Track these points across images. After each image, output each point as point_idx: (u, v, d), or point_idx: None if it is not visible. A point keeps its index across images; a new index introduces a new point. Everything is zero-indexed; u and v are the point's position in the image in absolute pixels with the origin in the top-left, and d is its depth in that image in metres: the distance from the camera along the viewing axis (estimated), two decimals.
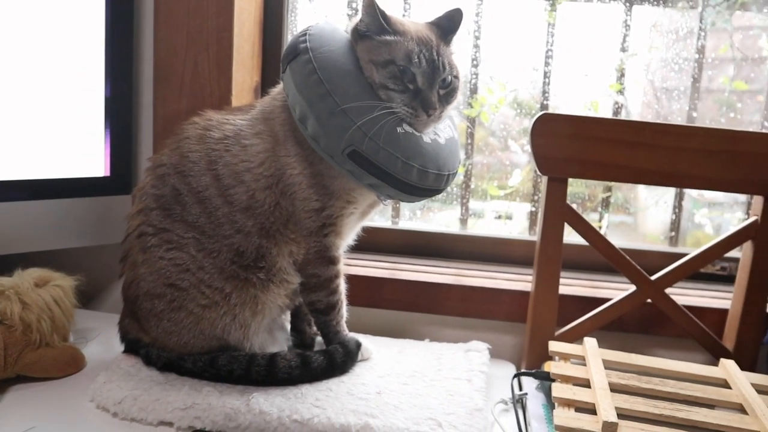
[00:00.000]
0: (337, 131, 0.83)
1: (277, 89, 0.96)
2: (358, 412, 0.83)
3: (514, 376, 0.96)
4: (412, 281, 1.17)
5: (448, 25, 0.93)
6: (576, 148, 1.01)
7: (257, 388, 0.87)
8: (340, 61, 0.86)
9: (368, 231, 1.32)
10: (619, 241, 1.12)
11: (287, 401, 0.84)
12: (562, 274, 1.04)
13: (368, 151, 0.83)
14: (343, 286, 0.97)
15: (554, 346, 0.98)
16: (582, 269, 1.25)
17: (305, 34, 0.88)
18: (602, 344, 0.97)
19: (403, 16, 1.31)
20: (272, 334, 0.96)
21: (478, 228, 1.39)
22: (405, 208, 1.40)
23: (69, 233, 1.08)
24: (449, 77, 0.89)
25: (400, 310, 1.18)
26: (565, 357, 0.97)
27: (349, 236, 1.00)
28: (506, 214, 1.42)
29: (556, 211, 1.02)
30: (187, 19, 1.12)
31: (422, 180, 0.87)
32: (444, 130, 0.93)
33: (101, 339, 1.06)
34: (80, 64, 1.06)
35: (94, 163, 1.10)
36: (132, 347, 0.95)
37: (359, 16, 0.92)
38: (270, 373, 0.88)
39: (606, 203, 1.35)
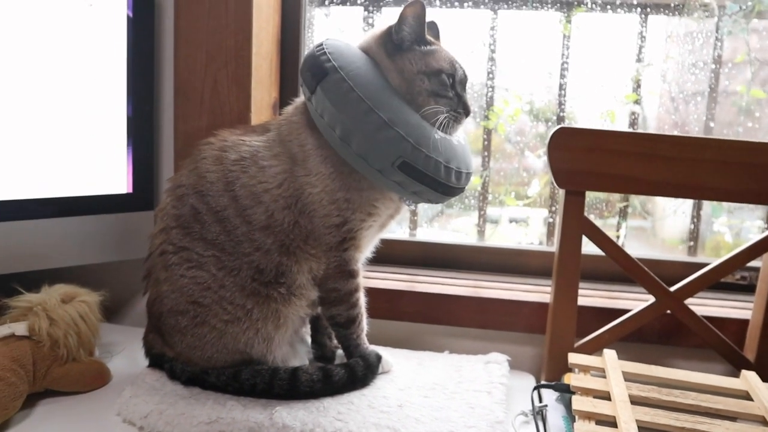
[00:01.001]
0: (386, 145, 0.85)
1: (291, 109, 0.98)
2: (380, 425, 0.84)
3: (534, 388, 0.96)
4: (430, 293, 1.18)
5: (434, 33, 0.99)
6: (593, 161, 1.01)
7: (280, 401, 0.88)
8: (370, 76, 0.89)
9: (386, 243, 1.33)
10: (637, 247, 1.12)
11: (310, 415, 0.85)
12: (581, 285, 1.04)
13: (417, 160, 0.86)
14: (362, 299, 0.98)
15: (574, 358, 0.98)
16: (600, 280, 1.25)
17: (325, 53, 0.89)
18: (622, 355, 0.97)
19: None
20: (294, 347, 0.98)
21: (496, 236, 1.40)
22: (422, 218, 1.41)
23: (93, 249, 1.10)
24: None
25: (419, 322, 1.18)
26: (584, 369, 0.97)
27: (368, 249, 1.01)
28: (524, 221, 1.42)
29: (574, 224, 1.03)
30: (206, 37, 1.14)
31: (458, 180, 0.91)
32: (460, 132, 0.97)
33: (126, 353, 1.08)
34: (103, 84, 1.08)
35: (117, 180, 1.12)
36: (156, 362, 0.96)
37: (377, 29, 0.94)
38: (292, 387, 0.89)
39: (624, 213, 1.35)
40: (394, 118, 0.86)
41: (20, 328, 0.91)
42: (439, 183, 0.89)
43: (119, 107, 1.10)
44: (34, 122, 1.02)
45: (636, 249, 1.05)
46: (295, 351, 0.97)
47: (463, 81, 0.95)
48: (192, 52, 1.15)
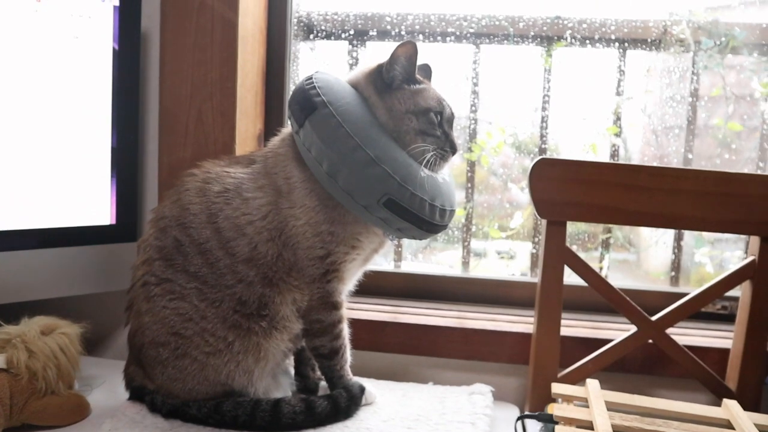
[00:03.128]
0: (373, 182, 0.86)
1: (278, 140, 0.98)
2: None
3: (518, 418, 0.95)
4: (414, 324, 1.18)
5: (426, 75, 1.01)
6: (574, 192, 1.03)
7: None
8: (359, 113, 0.90)
9: (370, 275, 1.33)
10: (621, 279, 1.13)
11: None
12: (564, 315, 1.05)
13: (403, 198, 0.87)
14: (346, 330, 0.98)
15: (557, 388, 0.98)
16: (583, 310, 1.25)
17: (314, 87, 0.90)
18: (605, 385, 0.97)
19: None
20: (276, 379, 0.97)
21: (480, 269, 1.40)
22: (407, 250, 1.42)
23: (75, 281, 1.09)
24: None
25: (403, 353, 1.18)
26: (568, 399, 0.97)
27: (352, 281, 1.01)
28: (509, 254, 1.43)
29: (556, 254, 1.04)
30: (191, 69, 1.16)
31: (441, 218, 0.92)
32: (446, 169, 0.98)
33: (106, 386, 1.06)
34: (87, 115, 1.09)
35: (100, 211, 1.12)
36: (137, 394, 0.95)
37: (368, 65, 0.96)
38: (274, 419, 0.89)
39: (606, 244, 1.36)
40: (381, 156, 0.86)
41: None
42: (423, 221, 0.89)
43: (104, 138, 1.11)
44: (18, 153, 1.02)
45: (620, 281, 1.06)
46: (277, 383, 0.97)
47: (450, 119, 0.96)
48: (177, 84, 1.16)
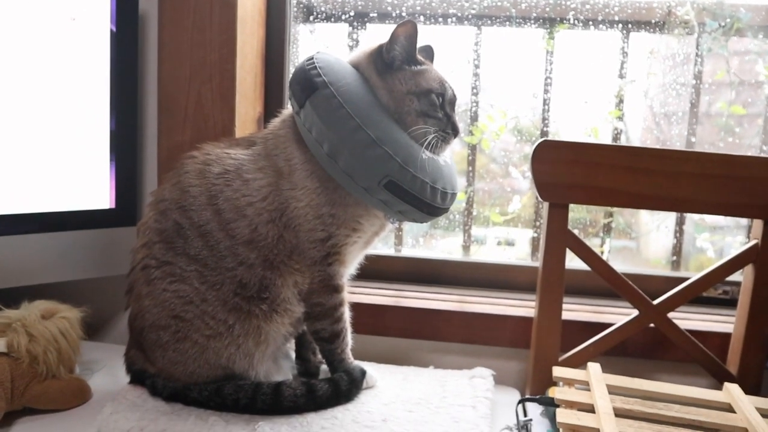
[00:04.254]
0: (374, 163, 0.85)
1: (278, 122, 0.98)
2: None
3: (519, 402, 0.95)
4: (415, 308, 1.18)
5: (428, 56, 1.00)
6: (576, 174, 1.02)
7: (263, 417, 0.87)
8: (361, 94, 0.89)
9: (372, 259, 1.33)
10: (621, 266, 1.13)
11: (293, 430, 0.84)
12: (565, 299, 1.05)
13: (404, 180, 0.86)
14: (347, 314, 0.98)
15: (558, 371, 0.98)
16: (585, 294, 1.25)
17: (315, 67, 0.89)
18: (606, 369, 0.97)
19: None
20: (277, 363, 0.97)
21: (480, 255, 1.40)
22: (408, 235, 1.41)
23: (75, 265, 1.09)
24: None
25: (404, 337, 1.18)
26: (569, 382, 0.97)
27: (353, 264, 1.01)
28: (507, 240, 1.42)
29: (558, 237, 1.03)
30: (190, 52, 1.15)
31: (443, 201, 0.92)
32: (447, 152, 0.98)
33: (106, 370, 1.06)
34: (85, 98, 1.08)
35: (100, 195, 1.11)
36: (138, 378, 0.95)
37: (368, 46, 0.95)
38: (276, 402, 0.88)
39: (607, 229, 1.35)
40: (382, 137, 0.86)
41: None
42: (424, 203, 0.89)
43: (102, 122, 1.10)
44: (16, 137, 1.01)
45: (620, 268, 1.06)
46: (278, 366, 0.97)
47: (453, 101, 0.95)
48: (176, 66, 1.15)
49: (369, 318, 1.17)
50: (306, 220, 0.90)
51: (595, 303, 1.22)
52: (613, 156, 1.02)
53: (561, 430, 0.84)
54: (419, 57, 0.94)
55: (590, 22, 1.30)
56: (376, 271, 1.32)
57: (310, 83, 0.88)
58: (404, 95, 0.91)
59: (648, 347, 1.10)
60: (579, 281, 1.24)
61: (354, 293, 1.23)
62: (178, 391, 0.90)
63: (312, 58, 0.91)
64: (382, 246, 1.41)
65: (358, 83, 0.90)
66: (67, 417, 0.91)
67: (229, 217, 0.90)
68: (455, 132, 0.94)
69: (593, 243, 1.36)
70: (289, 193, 0.91)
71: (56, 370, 0.93)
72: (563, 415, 0.85)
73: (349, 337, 0.99)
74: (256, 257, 0.90)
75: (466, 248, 1.38)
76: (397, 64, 0.92)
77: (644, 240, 1.40)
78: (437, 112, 0.92)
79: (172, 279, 0.90)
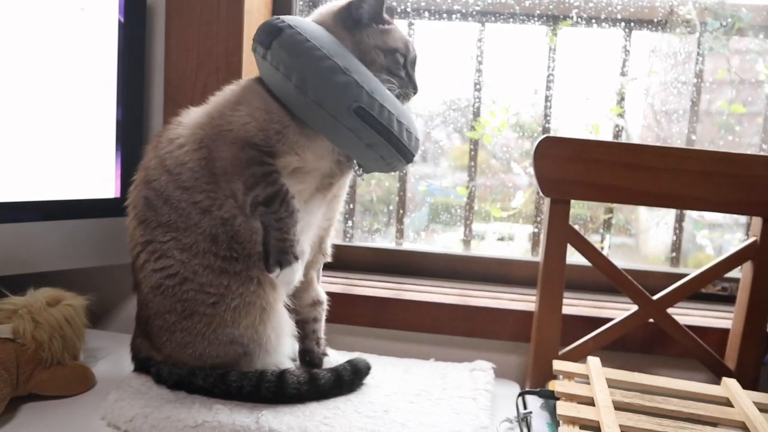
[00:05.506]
0: (343, 88, 0.86)
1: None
2: (366, 429, 0.84)
3: (519, 394, 0.96)
4: (416, 301, 1.19)
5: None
6: (578, 171, 1.03)
7: (266, 405, 0.88)
8: (326, 36, 0.90)
9: (373, 252, 1.35)
10: (621, 262, 1.13)
11: (296, 419, 0.85)
12: (566, 294, 1.06)
13: (373, 107, 0.87)
14: (282, 181, 0.90)
15: (558, 365, 0.99)
16: (585, 289, 1.26)
17: (279, 17, 0.91)
18: (606, 364, 0.98)
19: None
20: (281, 339, 0.96)
21: (480, 250, 1.41)
22: (408, 229, 1.42)
23: (80, 253, 1.10)
24: None
25: (405, 330, 1.19)
26: (569, 376, 0.98)
27: (310, 215, 0.97)
28: (508, 235, 1.43)
29: (559, 232, 1.04)
30: (197, 43, 1.15)
31: (409, 140, 0.92)
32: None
33: (111, 358, 1.07)
34: (92, 88, 1.08)
35: (105, 184, 1.12)
36: (143, 366, 0.96)
37: (334, 4, 0.96)
38: (279, 390, 0.89)
39: (608, 225, 1.36)
40: (349, 67, 0.87)
41: (4, 331, 0.90)
42: (392, 135, 0.89)
43: (109, 111, 1.11)
44: (23, 125, 1.02)
45: (620, 264, 1.07)
46: (282, 342, 0.97)
47: (414, 62, 0.98)
48: (183, 58, 1.16)
49: (370, 311, 1.18)
50: (245, 129, 0.89)
51: (596, 298, 1.23)
52: (615, 153, 1.03)
53: (561, 422, 0.85)
54: (386, 17, 0.96)
55: (593, 20, 1.31)
56: (378, 264, 1.33)
57: (275, 27, 0.89)
58: (371, 48, 0.93)
59: (647, 342, 1.11)
60: (580, 276, 1.25)
61: (356, 286, 1.25)
62: (183, 378, 0.91)
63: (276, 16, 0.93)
64: (383, 240, 1.42)
65: (326, 33, 0.91)
66: (71, 403, 0.92)
67: (177, 170, 0.91)
68: (415, 90, 0.97)
69: (593, 239, 1.37)
70: (228, 115, 0.90)
71: (61, 357, 0.93)
72: (563, 408, 0.87)
73: (296, 216, 0.91)
74: (205, 199, 0.90)
75: (466, 242, 1.39)
76: (364, 21, 0.94)
77: (644, 237, 1.41)
78: (400, 71, 0.95)
79: (156, 256, 0.91)
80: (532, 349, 1.08)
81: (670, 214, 1.34)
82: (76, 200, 1.08)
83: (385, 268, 1.35)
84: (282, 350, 0.97)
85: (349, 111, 0.86)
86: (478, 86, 1.36)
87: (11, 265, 1.02)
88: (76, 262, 1.10)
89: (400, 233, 1.40)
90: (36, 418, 0.87)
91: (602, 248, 1.36)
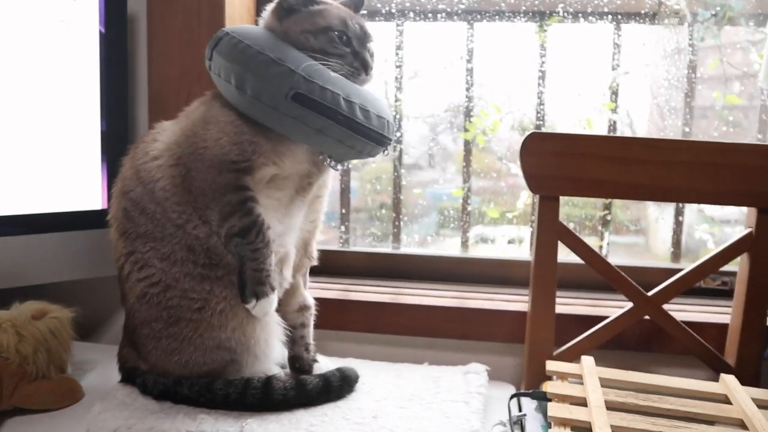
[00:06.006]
0: (277, 78, 0.84)
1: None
2: None
3: (512, 396, 0.94)
4: (412, 305, 1.17)
5: (356, 4, 1.00)
6: (566, 166, 1.01)
7: (253, 414, 0.87)
8: (262, 34, 0.90)
9: (369, 257, 1.33)
10: (626, 260, 1.11)
11: (281, 427, 0.84)
12: (561, 293, 1.04)
13: (312, 91, 0.85)
14: (258, 210, 0.89)
15: (551, 365, 0.97)
16: (581, 288, 1.24)
17: (222, 29, 0.92)
18: (603, 363, 0.96)
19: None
20: (270, 342, 0.95)
21: (479, 251, 1.39)
22: (415, 234, 1.40)
23: (67, 266, 1.09)
24: (372, 45, 0.95)
25: (400, 334, 1.17)
26: (562, 376, 0.96)
27: (292, 218, 0.96)
28: (518, 238, 1.42)
29: (549, 230, 1.02)
30: (180, 51, 1.15)
31: (367, 119, 0.89)
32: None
33: (100, 370, 1.06)
34: (76, 100, 1.08)
35: (92, 196, 1.11)
36: (129, 376, 0.95)
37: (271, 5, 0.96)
38: (266, 396, 0.88)
39: (604, 222, 1.34)
40: (283, 57, 0.86)
41: None
42: (341, 115, 0.86)
43: (93, 123, 1.10)
44: (6, 139, 1.02)
45: (622, 262, 1.04)
46: (271, 345, 0.95)
47: (361, 37, 0.93)
48: (166, 66, 1.16)
49: (364, 316, 1.17)
50: (219, 145, 0.88)
51: (592, 297, 1.21)
52: (603, 146, 1.01)
53: (552, 423, 0.83)
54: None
55: (580, 15, 1.29)
56: (375, 269, 1.31)
57: (215, 38, 0.91)
58: (299, 34, 0.90)
59: (644, 340, 1.09)
60: (573, 275, 1.22)
61: (351, 291, 1.23)
62: (168, 388, 0.90)
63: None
64: (383, 245, 1.41)
65: (263, 31, 0.92)
66: (57, 417, 0.91)
67: (150, 185, 0.91)
68: (364, 67, 0.92)
69: (593, 241, 1.35)
70: (200, 131, 0.90)
71: (46, 370, 0.93)
72: (555, 409, 0.84)
73: (271, 253, 0.91)
74: (179, 216, 0.89)
75: (464, 245, 1.37)
76: (296, 8, 0.92)
77: (653, 236, 1.39)
78: (338, 48, 0.91)
79: (139, 266, 0.90)
80: (526, 349, 1.06)
81: (670, 209, 1.31)
82: (62, 213, 1.08)
83: (383, 272, 1.33)
84: (271, 355, 0.95)
85: (287, 99, 0.85)
86: (469, 86, 1.34)
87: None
88: (65, 274, 1.09)
89: (396, 237, 1.38)
90: None
91: (601, 247, 1.34)
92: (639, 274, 1.09)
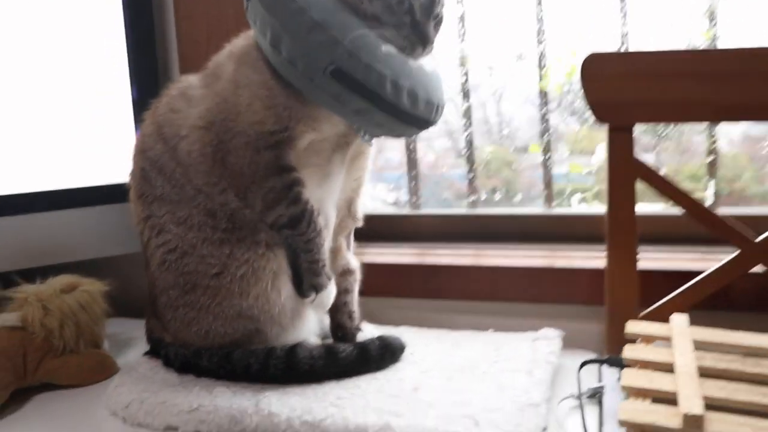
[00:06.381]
0: (317, 48, 0.73)
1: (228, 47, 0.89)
2: (382, 410, 0.71)
3: (582, 365, 0.79)
4: (478, 267, 1.04)
5: None
6: (638, 88, 0.84)
7: (277, 387, 0.78)
8: None
9: (441, 218, 1.20)
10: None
11: (304, 400, 0.74)
12: (647, 248, 0.87)
13: (355, 69, 0.72)
14: (306, 196, 0.82)
15: (632, 326, 0.80)
16: (673, 243, 1.04)
17: None
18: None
19: None
20: (299, 311, 0.86)
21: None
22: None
23: (106, 241, 1.06)
24: (442, 10, 0.79)
25: (459, 299, 1.04)
26: (647, 339, 0.79)
27: (331, 179, 0.87)
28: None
29: (624, 167, 0.85)
30: (206, 9, 1.09)
31: (414, 105, 0.75)
32: (426, 62, 0.81)
33: (141, 346, 1.01)
34: (104, 69, 1.04)
35: (125, 168, 1.07)
36: (155, 348, 0.89)
37: None
38: (290, 366, 0.79)
39: (712, 170, 1.12)
40: (329, 20, 0.73)
41: (12, 319, 0.87)
42: (383, 100, 0.73)
43: (124, 91, 1.06)
44: (36, 113, 0.99)
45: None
46: (301, 319, 0.86)
47: (427, 4, 0.77)
48: (193, 28, 1.10)
49: (421, 281, 1.05)
50: (253, 112, 0.79)
51: (684, 250, 1.02)
52: (685, 62, 0.83)
53: (627, 394, 0.67)
54: None
55: None
56: (451, 232, 1.20)
57: None
58: None
59: (754, 297, 0.89)
60: (661, 229, 1.03)
61: (419, 255, 1.12)
62: (189, 360, 0.83)
63: None
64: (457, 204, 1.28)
65: None
66: (86, 392, 0.87)
67: (173, 143, 0.83)
68: (423, 41, 0.76)
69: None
70: (231, 92, 0.81)
71: (75, 344, 0.89)
72: (630, 377, 0.69)
73: (324, 241, 0.84)
74: (205, 182, 0.82)
75: (547, 199, 1.20)
76: None
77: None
78: (394, 17, 0.75)
79: (156, 231, 0.84)
80: (606, 310, 0.89)
81: None
82: (97, 186, 1.04)
83: (460, 236, 1.20)
84: (301, 325, 0.86)
85: (325, 73, 0.73)
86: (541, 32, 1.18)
87: (31, 256, 0.99)
88: (101, 250, 1.06)
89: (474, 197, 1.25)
90: (44, 408, 0.83)
91: (705, 199, 1.12)
92: (745, 224, 0.89)
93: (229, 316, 0.81)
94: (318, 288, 0.83)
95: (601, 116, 0.86)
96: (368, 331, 0.92)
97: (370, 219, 0.98)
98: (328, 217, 0.88)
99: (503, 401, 0.73)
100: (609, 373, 0.80)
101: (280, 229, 0.81)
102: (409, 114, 0.75)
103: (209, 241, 0.81)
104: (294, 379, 0.79)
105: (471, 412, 0.70)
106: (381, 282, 1.05)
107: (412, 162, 1.28)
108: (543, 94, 1.20)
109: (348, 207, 0.94)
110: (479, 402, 0.73)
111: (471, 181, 1.25)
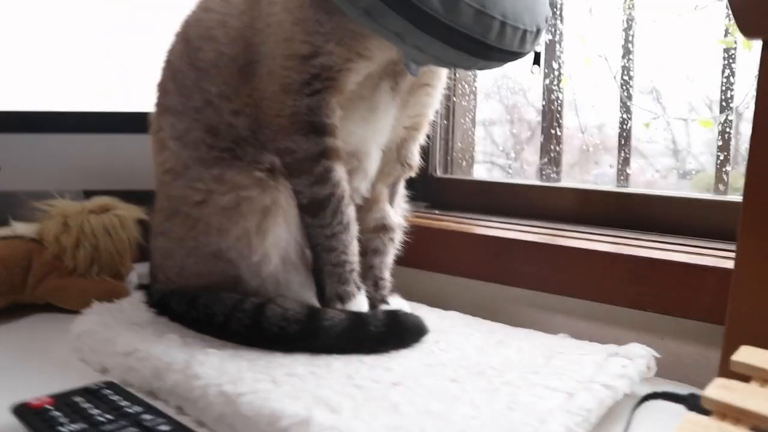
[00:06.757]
0: None
1: None
2: (320, 401, 0.52)
3: (641, 400, 0.51)
4: (567, 247, 0.78)
5: None
6: None
7: (234, 348, 0.62)
8: None
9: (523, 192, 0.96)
10: None
11: (241, 368, 0.57)
12: None
13: None
14: (340, 175, 0.66)
15: (747, 354, 0.50)
16: None
17: None
18: None
19: None
20: (292, 265, 0.69)
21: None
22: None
23: None
24: None
25: (532, 289, 0.79)
26: (764, 376, 0.49)
27: (378, 114, 0.69)
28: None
29: None
30: None
31: (482, 26, 0.55)
32: None
33: None
34: None
35: None
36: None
37: None
38: (255, 325, 0.63)
39: None
40: None
41: (28, 230, 0.83)
42: (435, 20, 0.54)
43: None
44: (107, 36, 0.96)
45: None
46: (294, 272, 0.69)
47: None
48: None
49: (493, 258, 0.82)
50: (281, 28, 0.64)
51: None
52: None
53: None
54: None
55: None
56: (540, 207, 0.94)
57: None
58: None
59: None
60: None
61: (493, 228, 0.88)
62: (161, 300, 0.71)
63: None
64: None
65: None
66: None
67: (197, 44, 0.70)
68: None
69: None
70: (265, 8, 0.66)
71: (86, 268, 0.82)
72: (688, 427, 0.41)
73: (354, 232, 0.67)
74: (218, 94, 0.68)
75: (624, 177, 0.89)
76: None
77: None
78: None
79: (160, 148, 0.73)
80: (727, 326, 0.59)
81: None
82: None
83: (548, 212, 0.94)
84: (293, 286, 0.69)
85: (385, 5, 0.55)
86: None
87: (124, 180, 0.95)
88: None
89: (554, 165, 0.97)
90: (29, 327, 0.78)
91: None
92: None
93: (204, 255, 0.68)
94: (344, 298, 0.66)
95: (746, 29, 0.55)
96: (397, 305, 0.72)
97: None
98: (368, 159, 0.70)
99: (499, 427, 0.49)
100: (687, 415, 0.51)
101: (300, 210, 0.66)
102: (470, 38, 0.56)
103: (202, 161, 0.69)
104: (259, 341, 0.63)
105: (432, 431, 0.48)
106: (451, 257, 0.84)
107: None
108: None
109: (398, 150, 0.75)
110: (460, 419, 0.50)
111: None
